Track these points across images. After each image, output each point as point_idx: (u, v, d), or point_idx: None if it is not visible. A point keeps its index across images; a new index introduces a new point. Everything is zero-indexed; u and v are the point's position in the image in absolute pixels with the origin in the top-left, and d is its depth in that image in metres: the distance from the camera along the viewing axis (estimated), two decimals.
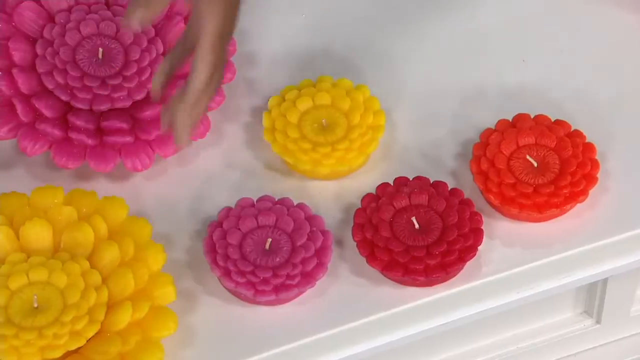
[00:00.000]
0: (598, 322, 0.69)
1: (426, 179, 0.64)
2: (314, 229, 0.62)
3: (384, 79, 0.69)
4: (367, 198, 0.64)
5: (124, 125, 0.63)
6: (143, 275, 0.60)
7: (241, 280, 0.60)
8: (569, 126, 0.66)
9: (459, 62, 0.70)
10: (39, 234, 0.60)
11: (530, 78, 0.70)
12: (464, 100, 0.69)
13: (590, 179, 0.64)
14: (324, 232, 0.62)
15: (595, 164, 0.64)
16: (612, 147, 0.67)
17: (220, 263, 0.61)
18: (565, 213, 0.64)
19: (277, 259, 0.61)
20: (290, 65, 0.70)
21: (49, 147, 0.63)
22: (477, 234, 0.62)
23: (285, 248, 0.62)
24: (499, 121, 0.66)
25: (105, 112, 0.64)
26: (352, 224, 0.63)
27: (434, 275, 0.61)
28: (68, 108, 0.64)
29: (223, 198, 0.65)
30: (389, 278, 0.63)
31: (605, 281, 0.66)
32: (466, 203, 0.63)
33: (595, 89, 0.69)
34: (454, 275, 0.62)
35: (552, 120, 0.66)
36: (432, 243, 0.62)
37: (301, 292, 0.62)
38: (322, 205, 0.65)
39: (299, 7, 0.72)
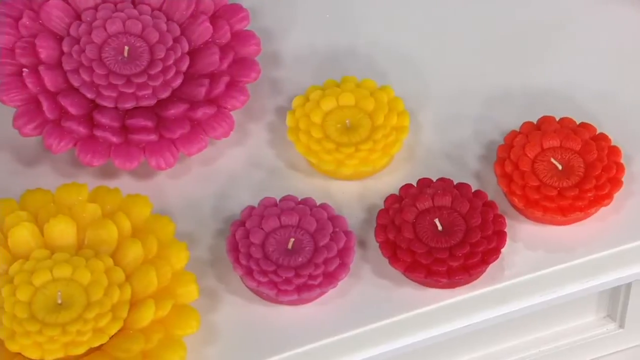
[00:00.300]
0: (621, 326, 0.69)
1: (450, 181, 0.64)
2: (337, 229, 0.62)
3: (409, 80, 0.69)
4: (390, 199, 0.64)
5: (149, 124, 0.64)
6: (166, 273, 0.60)
7: (263, 279, 0.61)
8: (594, 129, 0.65)
9: (483, 63, 0.70)
10: (63, 231, 0.61)
11: (555, 80, 0.69)
12: (488, 102, 0.69)
13: (615, 183, 0.63)
14: (347, 233, 0.62)
15: (620, 168, 0.64)
16: (638, 150, 0.66)
17: (243, 262, 0.61)
18: (589, 216, 0.64)
19: (300, 259, 0.61)
20: (315, 66, 0.70)
21: (74, 145, 0.63)
22: (500, 237, 0.62)
23: (307, 248, 0.62)
24: (523, 123, 0.66)
25: (130, 110, 0.64)
26: (374, 225, 0.63)
27: (456, 277, 0.61)
28: (93, 106, 0.64)
29: (246, 197, 0.65)
30: (412, 279, 0.62)
31: (629, 285, 0.66)
32: (490, 205, 0.63)
33: (621, 91, 0.69)
34: (477, 278, 0.62)
35: (577, 123, 0.66)
36: (455, 245, 0.62)
37: (323, 293, 0.62)
38: (345, 205, 0.65)
39: (323, 7, 0.72)
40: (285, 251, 0.62)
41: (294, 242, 0.62)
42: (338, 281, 0.61)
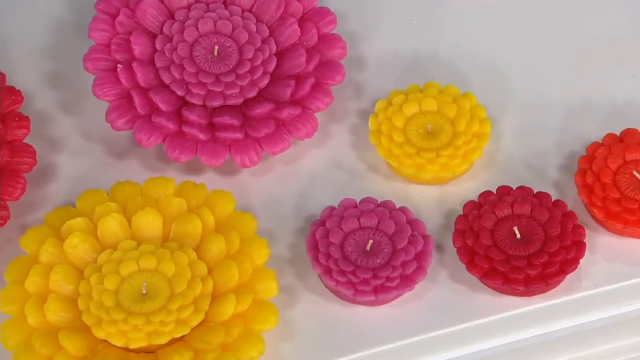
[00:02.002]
0: None
1: (529, 189, 0.64)
2: (415, 233, 0.62)
3: (491, 88, 0.69)
4: (469, 205, 0.63)
5: (235, 122, 0.64)
6: (247, 269, 0.60)
7: (342, 279, 0.61)
8: None
9: (567, 73, 0.70)
10: (150, 223, 0.62)
11: (639, 92, 0.68)
12: (571, 112, 0.68)
13: None
14: (425, 237, 0.62)
15: None
16: None
17: (322, 261, 0.61)
18: None
19: (378, 261, 0.61)
20: (398, 70, 0.70)
21: (163, 140, 0.64)
22: (579, 247, 0.61)
23: (385, 250, 0.62)
24: (606, 135, 0.65)
25: (217, 108, 0.65)
26: (453, 230, 0.63)
27: (533, 286, 0.61)
28: (182, 103, 0.65)
29: (326, 197, 0.65)
30: (488, 286, 0.62)
31: None
32: (569, 215, 0.62)
33: None
34: (554, 287, 0.62)
35: None
36: (533, 253, 0.61)
37: (400, 295, 0.62)
38: (424, 209, 0.65)
39: (408, 13, 0.72)
40: (363, 252, 0.62)
41: (372, 243, 0.62)
42: (415, 284, 0.61)
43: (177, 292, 0.59)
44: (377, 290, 0.61)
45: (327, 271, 0.61)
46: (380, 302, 0.62)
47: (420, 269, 0.61)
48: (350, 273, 0.61)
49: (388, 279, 0.61)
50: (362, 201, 0.63)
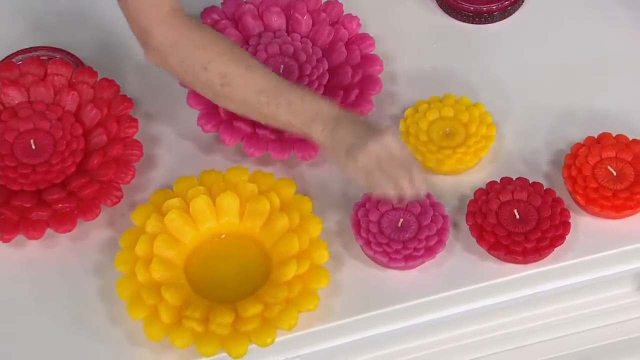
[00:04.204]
0: None
1: (526, 180, 0.69)
2: (436, 213, 0.67)
3: (496, 99, 0.74)
4: (479, 192, 0.69)
5: None
6: (305, 240, 0.66)
7: (378, 249, 0.66)
8: None
9: (556, 87, 0.74)
10: (230, 203, 0.67)
11: (613, 103, 0.73)
12: (558, 119, 0.73)
13: None
14: (444, 217, 0.67)
15: None
16: None
17: (363, 235, 0.67)
18: (637, 213, 0.68)
19: (407, 235, 0.67)
20: (423, 84, 0.74)
21: (242, 140, 0.69)
22: (565, 226, 0.67)
23: (413, 227, 0.67)
24: (586, 138, 0.70)
25: None
26: (465, 211, 0.68)
27: (529, 256, 0.66)
28: None
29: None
30: (494, 256, 0.68)
31: None
32: (557, 201, 0.68)
33: None
34: (545, 257, 0.67)
35: (630, 139, 0.70)
36: (529, 230, 0.67)
37: (424, 262, 0.67)
38: (443, 195, 0.70)
39: (431, 38, 0.77)
40: (395, 228, 0.67)
41: (402, 221, 0.67)
42: (436, 254, 0.66)
43: None
44: (406, 258, 0.66)
45: (367, 243, 0.66)
46: (409, 267, 0.67)
47: (440, 242, 0.66)
48: (385, 244, 0.66)
49: (415, 249, 0.66)
50: None
